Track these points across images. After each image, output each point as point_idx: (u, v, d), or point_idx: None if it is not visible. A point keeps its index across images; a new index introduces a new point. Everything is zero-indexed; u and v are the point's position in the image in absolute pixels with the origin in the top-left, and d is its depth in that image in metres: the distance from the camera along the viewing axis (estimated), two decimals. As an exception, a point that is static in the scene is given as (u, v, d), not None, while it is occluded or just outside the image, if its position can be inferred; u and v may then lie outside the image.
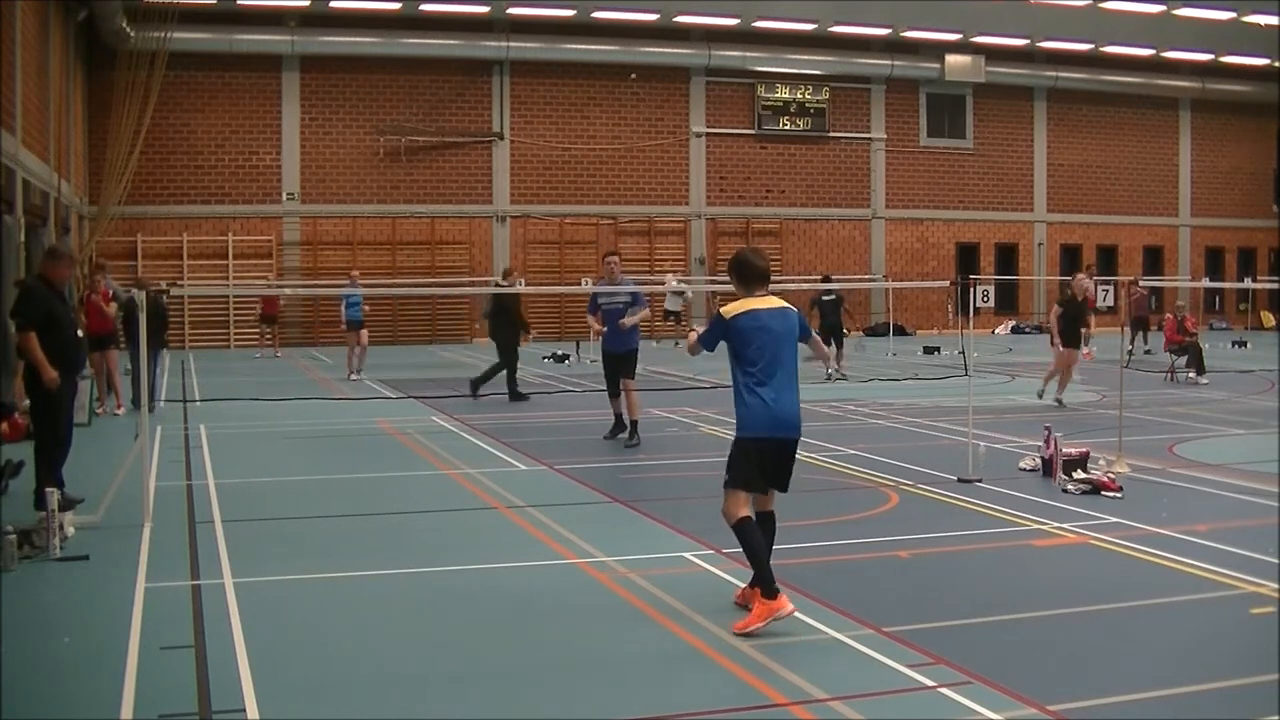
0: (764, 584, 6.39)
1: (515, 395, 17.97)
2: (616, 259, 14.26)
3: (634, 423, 13.54)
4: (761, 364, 6.69)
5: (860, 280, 36.47)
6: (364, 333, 22.18)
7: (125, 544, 8.54)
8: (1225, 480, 10.97)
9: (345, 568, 7.91)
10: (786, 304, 6.95)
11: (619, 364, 13.72)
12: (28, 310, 9.33)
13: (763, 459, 6.74)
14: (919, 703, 5.43)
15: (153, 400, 16.39)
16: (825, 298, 22.21)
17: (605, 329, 13.85)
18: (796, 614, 6.41)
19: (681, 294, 32.00)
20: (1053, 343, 17.01)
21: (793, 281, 34.95)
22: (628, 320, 13.64)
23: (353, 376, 21.61)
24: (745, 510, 6.66)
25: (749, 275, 6.91)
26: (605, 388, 14.00)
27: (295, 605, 7.17)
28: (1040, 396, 16.98)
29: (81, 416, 14.58)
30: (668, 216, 35.95)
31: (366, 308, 22.42)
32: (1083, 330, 17.92)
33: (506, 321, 18.36)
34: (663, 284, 29.76)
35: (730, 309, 6.86)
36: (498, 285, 19.99)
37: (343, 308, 22.21)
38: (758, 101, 36.70)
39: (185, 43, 28.71)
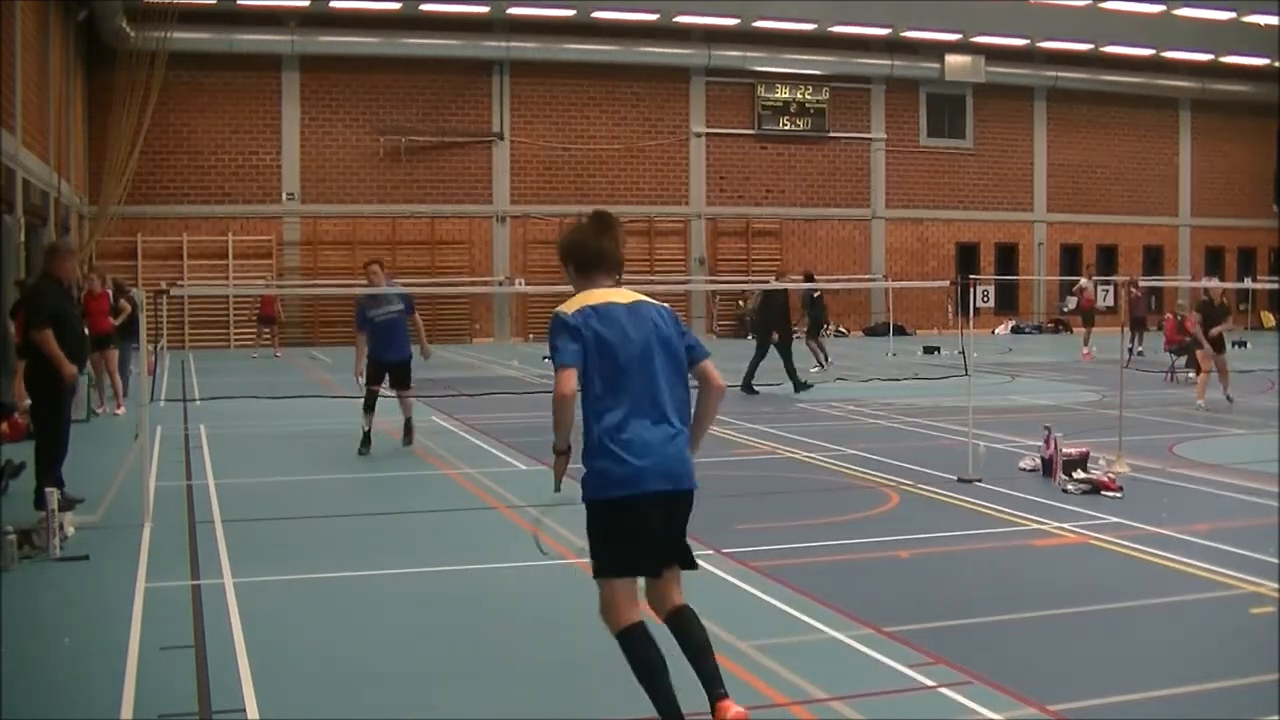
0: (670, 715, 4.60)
1: (747, 388, 18.68)
2: (378, 266, 13.52)
3: (408, 420, 13.19)
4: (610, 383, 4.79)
5: (860, 280, 36.48)
6: None
7: (125, 544, 8.54)
8: (1225, 480, 10.96)
9: (345, 568, 7.91)
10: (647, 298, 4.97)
11: (394, 373, 13.00)
12: (41, 308, 9.37)
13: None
14: (919, 703, 5.43)
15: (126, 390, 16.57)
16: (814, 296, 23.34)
17: (375, 340, 12.95)
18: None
19: None
20: (1200, 347, 17.33)
21: (792, 282, 35.01)
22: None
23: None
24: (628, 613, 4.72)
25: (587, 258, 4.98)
26: (364, 401, 12.95)
27: (295, 605, 7.17)
28: (1202, 408, 16.49)
29: (79, 413, 14.62)
30: (668, 216, 35.94)
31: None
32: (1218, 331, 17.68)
33: (777, 315, 19.31)
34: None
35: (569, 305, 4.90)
36: (774, 281, 20.76)
37: None
38: (758, 101, 36.70)
39: (185, 43, 28.72)
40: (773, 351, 19.14)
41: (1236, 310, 40.69)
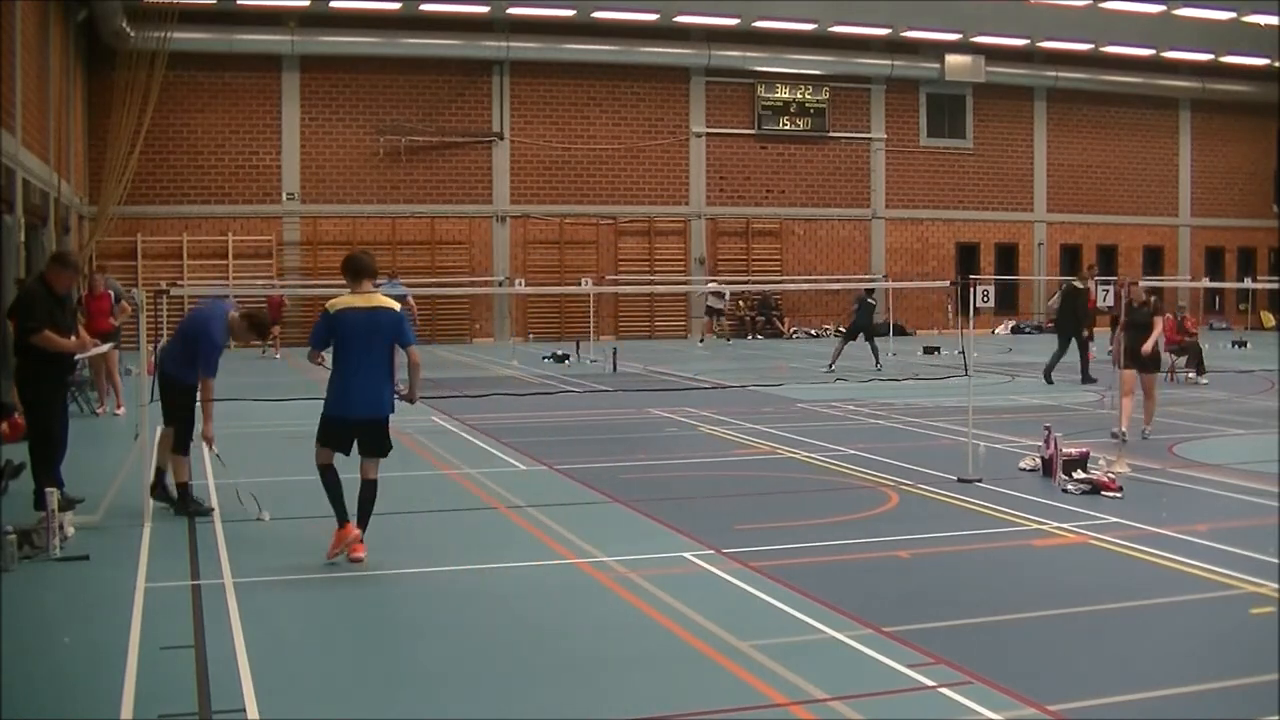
0: (339, 517, 8.02)
1: (1086, 378, 19.86)
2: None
3: (184, 487, 9.87)
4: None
5: (860, 280, 36.46)
6: None
7: (125, 544, 8.54)
8: (1225, 480, 10.97)
9: (345, 568, 7.91)
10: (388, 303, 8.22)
11: (190, 396, 10.25)
12: (34, 314, 9.40)
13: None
14: (919, 703, 5.43)
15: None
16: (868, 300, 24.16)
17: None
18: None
19: (721, 295, 32.58)
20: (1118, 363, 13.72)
21: (792, 281, 35.03)
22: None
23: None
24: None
25: (356, 270, 8.14)
26: (175, 441, 10.13)
27: (295, 605, 7.17)
28: (1122, 439, 12.65)
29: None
30: (668, 216, 35.94)
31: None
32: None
33: (1071, 314, 20.65)
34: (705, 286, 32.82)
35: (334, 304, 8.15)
36: (1079, 280, 21.44)
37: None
38: (758, 101, 36.69)
39: (185, 43, 28.67)
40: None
41: (1237, 310, 41.03)
